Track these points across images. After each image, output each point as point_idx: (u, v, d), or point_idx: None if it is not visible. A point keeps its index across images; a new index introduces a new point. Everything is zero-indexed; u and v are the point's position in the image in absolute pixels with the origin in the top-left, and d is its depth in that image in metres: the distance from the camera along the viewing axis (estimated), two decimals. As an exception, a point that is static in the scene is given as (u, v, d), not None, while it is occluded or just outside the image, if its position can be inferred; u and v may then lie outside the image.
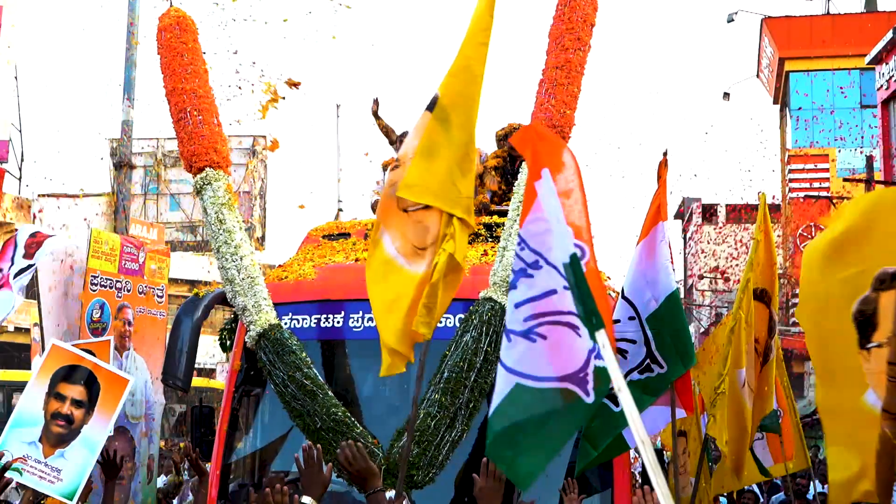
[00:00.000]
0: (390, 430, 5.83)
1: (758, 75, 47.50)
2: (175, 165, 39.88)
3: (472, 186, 4.49)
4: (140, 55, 13.24)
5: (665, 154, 5.85)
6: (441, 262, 4.40)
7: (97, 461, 6.54)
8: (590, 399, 3.37)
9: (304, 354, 5.81)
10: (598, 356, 3.23)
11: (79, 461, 6.35)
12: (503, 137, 8.61)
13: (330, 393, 5.61)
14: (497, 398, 3.56)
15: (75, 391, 6.54)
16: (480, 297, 5.93)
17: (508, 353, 3.60)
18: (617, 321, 5.47)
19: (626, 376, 5.53)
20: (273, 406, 6.56)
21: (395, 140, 9.24)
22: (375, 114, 9.45)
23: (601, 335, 2.91)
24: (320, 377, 5.73)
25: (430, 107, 4.56)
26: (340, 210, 22.58)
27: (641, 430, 2.59)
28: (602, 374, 3.16)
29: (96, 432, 6.44)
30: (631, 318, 5.50)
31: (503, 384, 3.57)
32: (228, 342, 6.69)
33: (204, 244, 39.65)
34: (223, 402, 6.39)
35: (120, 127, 13.42)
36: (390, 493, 5.30)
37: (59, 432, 6.42)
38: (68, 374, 6.53)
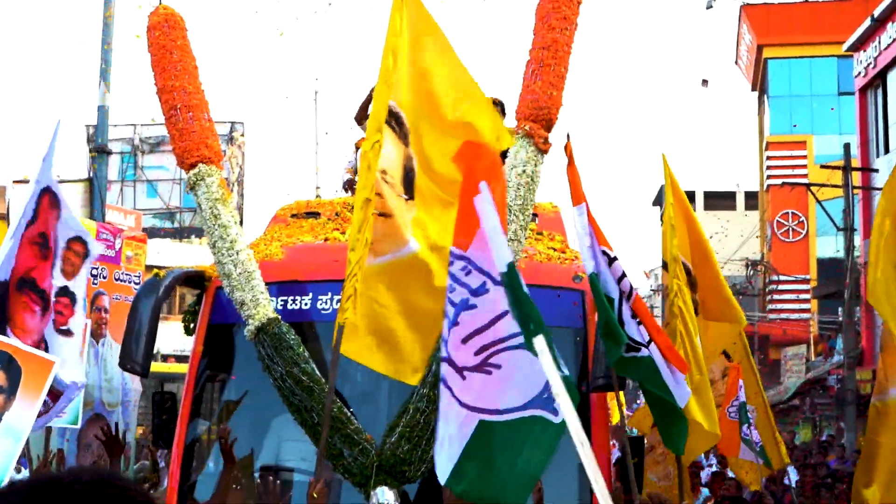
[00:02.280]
0: (366, 413, 5.80)
1: (736, 62, 47.66)
2: (152, 152, 39.69)
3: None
4: (117, 39, 13.13)
5: (568, 137, 5.89)
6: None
7: (99, 439, 6.58)
8: (558, 419, 3.25)
9: (301, 349, 5.77)
10: (558, 367, 3.13)
11: (1, 451, 5.60)
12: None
13: (326, 389, 5.60)
14: (461, 440, 3.42)
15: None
16: None
17: (465, 392, 3.42)
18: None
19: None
20: (239, 392, 6.53)
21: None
22: (360, 121, 9.36)
23: (539, 341, 2.78)
24: (317, 373, 5.70)
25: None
26: (319, 197, 22.54)
27: (580, 432, 2.51)
28: (567, 383, 3.04)
29: (19, 419, 5.69)
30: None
31: (466, 425, 3.40)
32: (192, 325, 6.63)
33: (182, 231, 39.49)
34: (185, 388, 6.34)
35: (96, 112, 13.31)
36: (380, 492, 5.32)
37: None
38: None
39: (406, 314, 5.32)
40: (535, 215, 7.25)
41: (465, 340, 3.42)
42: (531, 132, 6.08)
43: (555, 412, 3.26)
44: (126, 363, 6.06)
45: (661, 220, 7.21)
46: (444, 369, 3.51)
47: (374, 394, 6.38)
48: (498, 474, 3.43)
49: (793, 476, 11.91)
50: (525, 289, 2.96)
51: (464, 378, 3.45)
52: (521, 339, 3.11)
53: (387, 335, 5.27)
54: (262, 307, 5.96)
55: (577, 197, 5.69)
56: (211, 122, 6.54)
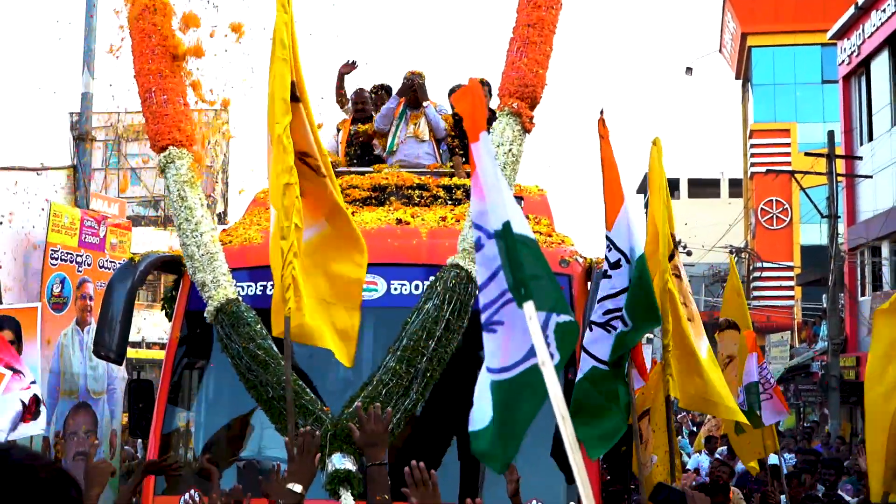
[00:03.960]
0: (340, 398, 5.78)
1: (720, 50, 47.72)
2: (137, 139, 39.49)
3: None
4: (101, 24, 13.01)
5: (602, 113, 5.82)
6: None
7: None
8: (555, 360, 3.25)
9: (259, 326, 5.73)
10: (559, 313, 3.09)
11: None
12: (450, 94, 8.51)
13: (282, 363, 5.56)
14: (484, 406, 3.36)
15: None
16: (448, 264, 5.85)
17: (485, 352, 3.44)
18: (606, 275, 5.45)
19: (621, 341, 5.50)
20: (218, 380, 6.45)
21: (345, 104, 9.15)
22: (342, 77, 9.31)
23: (529, 306, 2.77)
24: (275, 349, 5.66)
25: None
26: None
27: (562, 406, 2.49)
28: (565, 330, 2.98)
29: (33, 361, 7.46)
30: (616, 266, 5.44)
31: (483, 386, 3.36)
32: (170, 310, 6.59)
33: (167, 219, 39.33)
34: (161, 376, 6.28)
35: (80, 99, 13.20)
36: (336, 458, 5.28)
37: None
38: None
39: (335, 289, 5.27)
40: (520, 198, 7.22)
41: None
42: (518, 110, 6.05)
43: (552, 356, 3.20)
44: (100, 351, 6.00)
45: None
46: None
47: (330, 365, 6.35)
48: (503, 430, 3.39)
49: (789, 462, 11.86)
50: (519, 251, 2.93)
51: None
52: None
53: (324, 314, 5.23)
54: (222, 288, 5.94)
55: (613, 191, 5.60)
56: (187, 107, 6.54)
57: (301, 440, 4.07)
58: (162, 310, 6.76)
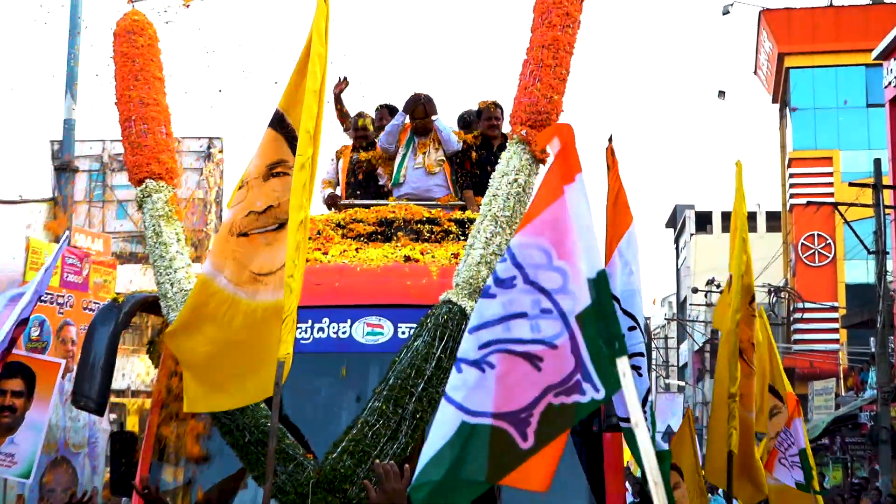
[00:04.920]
0: (324, 442, 5.75)
1: (755, 72, 47.84)
2: (123, 170, 39.67)
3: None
4: (85, 48, 13.13)
5: (611, 140, 5.86)
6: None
7: None
8: (526, 444, 3.26)
9: None
10: (570, 391, 3.13)
11: (28, 443, 7.76)
12: (476, 115, 8.50)
13: (262, 405, 5.55)
14: (437, 441, 3.43)
15: (13, 384, 7.86)
16: (440, 300, 5.86)
17: (458, 387, 3.45)
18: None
19: (645, 398, 5.53)
20: (212, 431, 6.42)
21: (349, 127, 9.12)
22: (338, 96, 9.35)
23: (622, 362, 2.83)
24: None
25: (273, 123, 5.29)
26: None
27: (655, 471, 2.51)
28: (563, 413, 3.02)
29: (39, 415, 7.86)
30: (631, 329, 5.50)
31: (446, 423, 3.42)
32: (157, 356, 6.59)
33: (154, 256, 39.41)
34: (147, 428, 6.26)
35: (62, 126, 13.28)
36: None
37: (6, 422, 7.80)
38: (3, 371, 7.46)
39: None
40: None
41: (472, 330, 3.42)
42: (527, 139, 6.06)
43: (524, 437, 3.25)
44: (79, 400, 6.01)
45: (676, 245, 7.29)
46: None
47: (324, 414, 6.31)
48: (458, 483, 3.39)
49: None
50: (614, 303, 3.02)
51: (459, 371, 3.50)
52: (537, 349, 3.12)
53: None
54: None
55: (629, 215, 5.68)
56: (169, 137, 6.63)
57: (380, 469, 4.19)
58: (149, 354, 6.75)
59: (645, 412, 5.59)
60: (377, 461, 4.75)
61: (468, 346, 3.48)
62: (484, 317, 3.51)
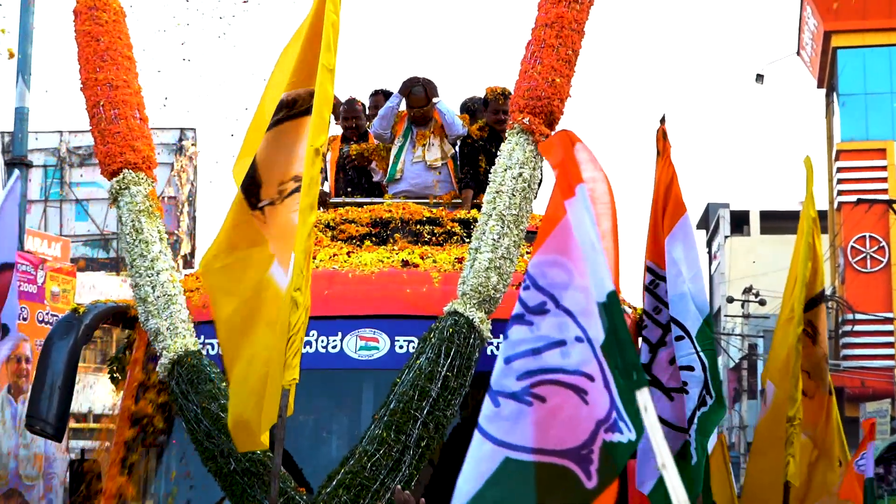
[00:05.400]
0: (317, 475, 5.75)
1: (798, 53, 47.88)
2: (83, 164, 39.72)
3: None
4: (40, 27, 13.14)
5: (663, 121, 5.85)
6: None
7: None
8: (591, 483, 3.29)
9: (224, 384, 5.75)
10: (613, 428, 3.15)
11: None
12: (483, 103, 8.39)
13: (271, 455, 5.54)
14: (476, 480, 3.44)
15: None
16: (445, 312, 5.86)
17: (494, 420, 3.46)
18: (662, 344, 5.50)
19: (691, 417, 5.54)
20: (184, 459, 6.40)
21: (338, 115, 9.03)
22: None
23: (643, 395, 2.82)
24: None
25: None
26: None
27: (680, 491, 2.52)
28: (614, 452, 3.04)
29: None
30: (679, 339, 5.51)
31: (488, 460, 3.43)
32: (120, 375, 6.59)
33: (119, 262, 39.45)
34: (110, 457, 6.26)
35: (13, 116, 13.29)
36: None
37: None
38: None
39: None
40: (530, 232, 7.21)
41: (508, 360, 3.42)
42: (529, 127, 6.07)
43: (588, 476, 3.27)
44: (34, 423, 6.02)
45: (708, 249, 7.32)
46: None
47: (314, 440, 6.32)
48: None
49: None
50: (626, 328, 3.01)
51: (496, 404, 3.48)
52: (579, 380, 3.13)
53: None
54: (180, 337, 5.98)
55: (682, 205, 5.70)
56: (144, 123, 6.65)
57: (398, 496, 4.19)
58: (110, 374, 6.74)
59: (689, 432, 5.59)
60: (398, 488, 4.76)
61: (504, 376, 3.49)
62: (519, 345, 3.52)
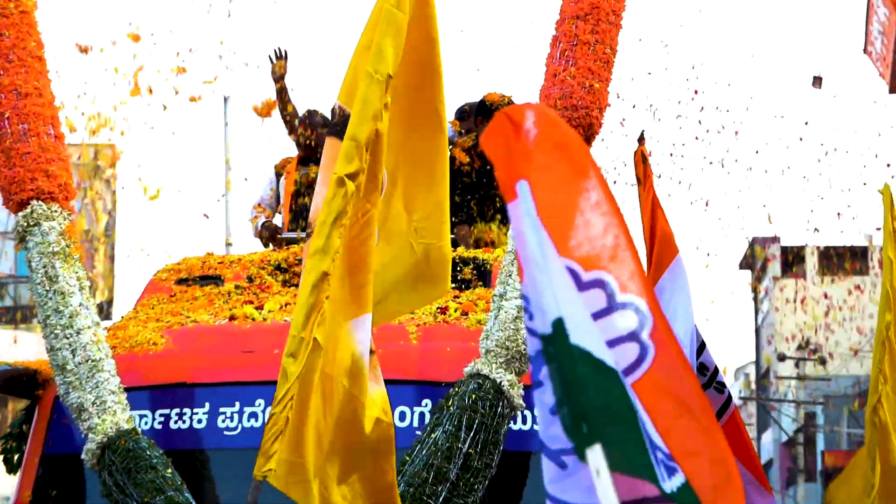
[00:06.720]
0: None
1: (865, 50, 48.19)
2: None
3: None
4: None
5: (641, 141, 5.88)
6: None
7: None
8: None
9: (170, 472, 5.74)
10: (670, 475, 3.15)
11: None
12: (478, 112, 8.42)
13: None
14: None
15: None
16: (465, 374, 5.85)
17: (568, 489, 3.44)
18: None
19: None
20: None
21: (297, 128, 9.01)
22: (281, 84, 9.34)
23: (594, 454, 2.76)
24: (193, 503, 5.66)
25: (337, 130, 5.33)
26: (229, 244, 22.52)
27: None
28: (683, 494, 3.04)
29: None
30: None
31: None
32: (16, 457, 6.58)
33: (15, 311, 39.36)
34: None
35: None
36: None
37: None
38: None
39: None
40: None
41: (553, 411, 3.41)
42: None
43: None
44: None
45: (755, 294, 7.42)
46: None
47: None
48: None
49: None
50: (578, 368, 2.89)
51: (562, 466, 3.41)
52: None
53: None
54: (109, 414, 5.93)
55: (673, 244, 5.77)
56: (60, 141, 6.56)
57: None
58: (3, 455, 6.74)
59: None
60: None
61: (557, 432, 3.44)
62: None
